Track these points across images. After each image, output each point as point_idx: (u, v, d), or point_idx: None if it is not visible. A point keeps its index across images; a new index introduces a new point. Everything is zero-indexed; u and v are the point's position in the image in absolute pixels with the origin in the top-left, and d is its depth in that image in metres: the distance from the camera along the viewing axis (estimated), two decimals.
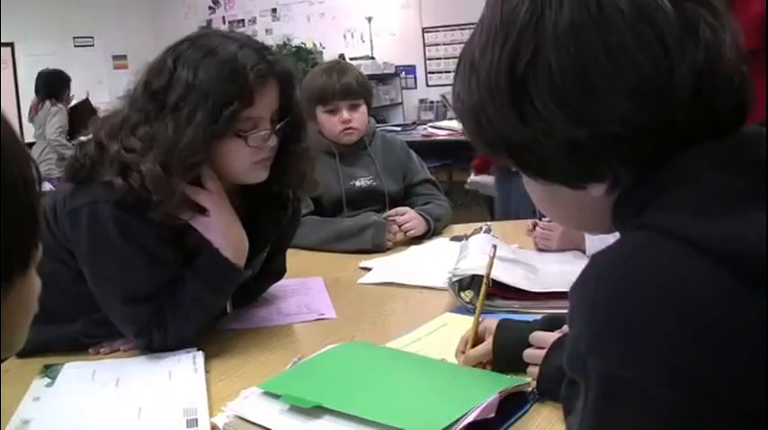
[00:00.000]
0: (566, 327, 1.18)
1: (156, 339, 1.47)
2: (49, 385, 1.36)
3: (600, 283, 0.70)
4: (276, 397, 1.15)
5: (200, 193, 1.47)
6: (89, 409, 1.27)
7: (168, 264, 1.49)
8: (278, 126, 1.53)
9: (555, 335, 1.17)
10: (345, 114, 2.49)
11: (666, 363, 0.64)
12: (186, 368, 1.39)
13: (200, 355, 1.44)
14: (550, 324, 1.23)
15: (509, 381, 1.15)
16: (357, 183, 2.53)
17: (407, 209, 2.43)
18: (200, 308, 1.51)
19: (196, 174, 1.45)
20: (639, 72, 0.70)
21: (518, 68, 0.75)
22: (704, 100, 0.72)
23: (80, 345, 1.53)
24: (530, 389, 1.17)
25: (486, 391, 1.08)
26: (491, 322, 1.31)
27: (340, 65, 2.67)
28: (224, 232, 1.50)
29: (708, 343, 0.63)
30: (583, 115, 0.72)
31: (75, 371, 1.42)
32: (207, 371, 1.37)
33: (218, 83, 1.40)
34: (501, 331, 1.27)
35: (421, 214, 2.41)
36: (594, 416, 0.69)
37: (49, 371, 1.41)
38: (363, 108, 2.56)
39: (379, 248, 2.27)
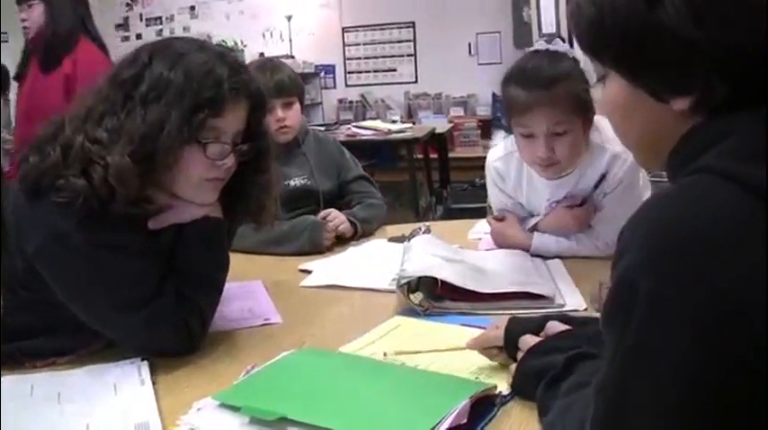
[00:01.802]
0: (549, 327, 1.18)
1: (194, 322, 1.44)
2: None
3: (657, 213, 0.77)
4: (235, 409, 1.10)
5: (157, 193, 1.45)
6: (32, 427, 1.18)
7: (158, 251, 1.45)
8: (238, 147, 1.48)
9: (563, 326, 1.19)
10: (280, 113, 2.44)
11: (709, 287, 0.71)
12: (132, 380, 1.31)
13: (144, 366, 1.36)
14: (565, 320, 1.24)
15: (476, 386, 1.13)
16: (291, 183, 2.49)
17: (332, 210, 2.40)
18: (212, 267, 1.52)
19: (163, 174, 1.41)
20: None
21: None
22: None
23: (14, 361, 1.42)
24: (497, 392, 1.15)
25: (455, 397, 1.05)
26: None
27: (272, 62, 2.61)
28: (192, 209, 1.49)
29: (750, 273, 0.70)
30: (707, 21, 0.77)
31: (10, 387, 1.31)
32: (154, 383, 1.31)
33: (193, 83, 1.37)
34: (511, 321, 1.27)
35: (348, 218, 2.38)
36: (638, 336, 0.74)
37: None
38: (297, 106, 2.52)
39: (317, 248, 2.24)
